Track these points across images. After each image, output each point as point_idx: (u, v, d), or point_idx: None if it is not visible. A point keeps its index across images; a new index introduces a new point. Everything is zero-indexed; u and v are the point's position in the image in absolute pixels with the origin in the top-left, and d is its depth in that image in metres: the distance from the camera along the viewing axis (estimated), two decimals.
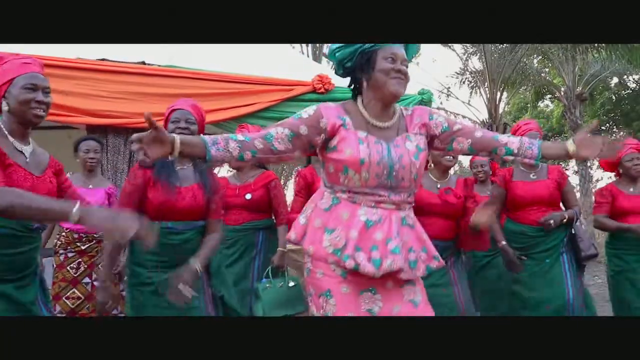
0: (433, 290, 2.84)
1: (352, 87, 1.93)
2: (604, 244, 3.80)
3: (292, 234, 1.89)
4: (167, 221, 2.40)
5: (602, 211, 3.71)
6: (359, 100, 1.88)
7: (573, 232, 3.50)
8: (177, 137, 1.58)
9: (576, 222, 3.50)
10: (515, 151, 1.86)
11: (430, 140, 1.93)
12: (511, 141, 1.88)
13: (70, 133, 4.87)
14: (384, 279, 1.79)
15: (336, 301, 1.75)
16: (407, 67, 1.84)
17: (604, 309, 5.42)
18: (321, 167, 1.91)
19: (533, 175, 3.54)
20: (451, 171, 3.31)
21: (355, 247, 1.74)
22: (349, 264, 1.73)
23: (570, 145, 1.83)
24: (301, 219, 1.89)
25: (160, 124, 1.55)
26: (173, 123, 2.48)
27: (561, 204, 3.64)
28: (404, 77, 1.82)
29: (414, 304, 1.83)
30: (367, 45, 1.80)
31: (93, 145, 3.66)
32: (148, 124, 1.53)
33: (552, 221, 3.37)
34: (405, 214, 1.84)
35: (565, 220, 3.45)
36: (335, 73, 1.96)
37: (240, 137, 1.69)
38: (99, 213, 1.70)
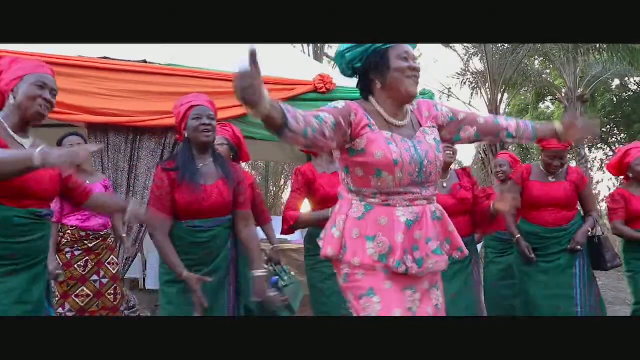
0: (461, 291, 2.91)
1: (361, 88, 1.89)
2: (620, 248, 3.77)
3: (329, 250, 1.81)
4: (195, 219, 2.42)
5: (618, 217, 3.66)
6: (373, 100, 1.84)
7: (596, 240, 3.47)
8: (268, 95, 1.41)
9: (596, 228, 3.47)
10: (514, 134, 2.02)
11: (438, 131, 1.93)
12: (510, 125, 2.02)
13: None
14: (421, 279, 1.79)
15: (381, 298, 1.70)
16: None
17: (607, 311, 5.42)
18: (343, 173, 1.84)
19: (552, 178, 3.49)
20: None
21: (404, 250, 1.71)
22: (402, 269, 1.70)
23: (558, 126, 2.04)
24: (334, 232, 1.81)
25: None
26: (195, 120, 2.47)
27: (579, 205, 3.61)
28: (418, 74, 1.81)
29: (437, 308, 1.84)
30: (379, 44, 1.78)
31: (76, 140, 3.64)
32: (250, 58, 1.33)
33: (578, 247, 3.35)
34: (435, 207, 1.85)
35: (588, 232, 3.43)
36: (343, 74, 1.91)
37: (299, 110, 1.55)
38: (55, 151, 1.78)
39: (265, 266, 3.14)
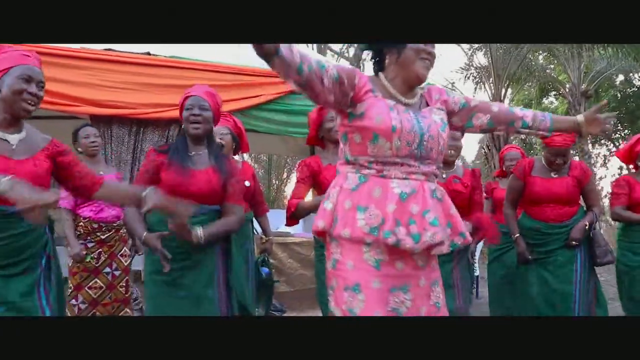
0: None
1: (373, 61, 1.86)
2: (615, 237, 3.77)
3: (320, 222, 1.75)
4: None
5: (620, 203, 3.66)
6: (382, 76, 1.81)
7: (591, 235, 3.42)
8: None
9: (595, 223, 3.44)
10: (530, 124, 1.98)
11: (449, 118, 1.89)
12: (526, 114, 1.99)
13: (77, 124, 4.88)
14: (417, 276, 1.74)
15: (365, 297, 1.64)
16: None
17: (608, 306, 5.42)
18: (342, 141, 1.80)
19: (554, 174, 3.44)
20: (458, 162, 3.30)
21: (396, 221, 1.64)
22: (391, 240, 1.63)
23: (580, 119, 2.00)
24: (327, 205, 1.75)
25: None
26: (187, 110, 2.47)
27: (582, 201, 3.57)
28: (432, 60, 1.78)
29: (437, 307, 1.78)
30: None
31: (92, 131, 3.64)
32: None
33: (574, 242, 3.33)
34: (435, 186, 1.78)
35: (587, 227, 3.37)
36: (359, 45, 1.89)
37: (300, 49, 1.55)
38: (22, 187, 1.67)
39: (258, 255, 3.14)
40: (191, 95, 2.49)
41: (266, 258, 3.58)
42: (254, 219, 3.70)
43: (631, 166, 3.87)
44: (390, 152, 1.69)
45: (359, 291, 1.65)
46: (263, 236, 3.71)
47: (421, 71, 1.74)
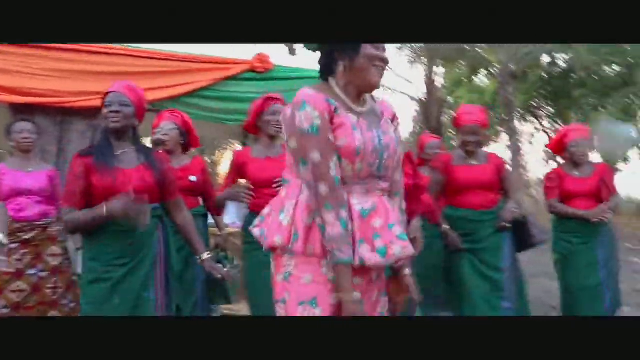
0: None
1: (322, 66, 1.78)
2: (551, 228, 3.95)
3: (278, 238, 1.67)
4: None
5: (554, 195, 3.84)
6: (332, 82, 1.74)
7: (521, 219, 3.52)
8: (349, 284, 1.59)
9: (518, 207, 3.56)
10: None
11: None
12: (394, 214, 1.82)
13: None
14: (371, 290, 1.73)
15: (322, 311, 1.62)
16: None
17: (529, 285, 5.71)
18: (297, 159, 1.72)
19: (474, 161, 3.55)
20: None
21: (359, 240, 1.62)
22: (355, 260, 1.60)
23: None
24: (283, 219, 1.68)
25: None
26: (106, 107, 2.39)
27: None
28: (385, 67, 1.73)
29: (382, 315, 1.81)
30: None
31: (28, 127, 3.48)
32: None
33: (503, 223, 3.43)
34: (389, 200, 1.77)
35: (513, 210, 3.48)
36: (306, 47, 1.79)
37: (332, 206, 1.57)
38: None
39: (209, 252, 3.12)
40: (111, 92, 2.42)
41: (222, 254, 3.52)
42: (202, 216, 3.58)
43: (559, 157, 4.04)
44: (352, 174, 1.66)
45: (317, 306, 1.62)
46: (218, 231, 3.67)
47: (374, 79, 1.70)
